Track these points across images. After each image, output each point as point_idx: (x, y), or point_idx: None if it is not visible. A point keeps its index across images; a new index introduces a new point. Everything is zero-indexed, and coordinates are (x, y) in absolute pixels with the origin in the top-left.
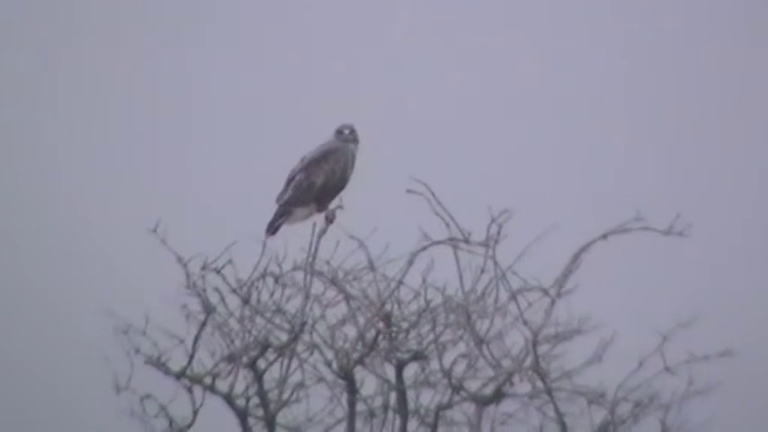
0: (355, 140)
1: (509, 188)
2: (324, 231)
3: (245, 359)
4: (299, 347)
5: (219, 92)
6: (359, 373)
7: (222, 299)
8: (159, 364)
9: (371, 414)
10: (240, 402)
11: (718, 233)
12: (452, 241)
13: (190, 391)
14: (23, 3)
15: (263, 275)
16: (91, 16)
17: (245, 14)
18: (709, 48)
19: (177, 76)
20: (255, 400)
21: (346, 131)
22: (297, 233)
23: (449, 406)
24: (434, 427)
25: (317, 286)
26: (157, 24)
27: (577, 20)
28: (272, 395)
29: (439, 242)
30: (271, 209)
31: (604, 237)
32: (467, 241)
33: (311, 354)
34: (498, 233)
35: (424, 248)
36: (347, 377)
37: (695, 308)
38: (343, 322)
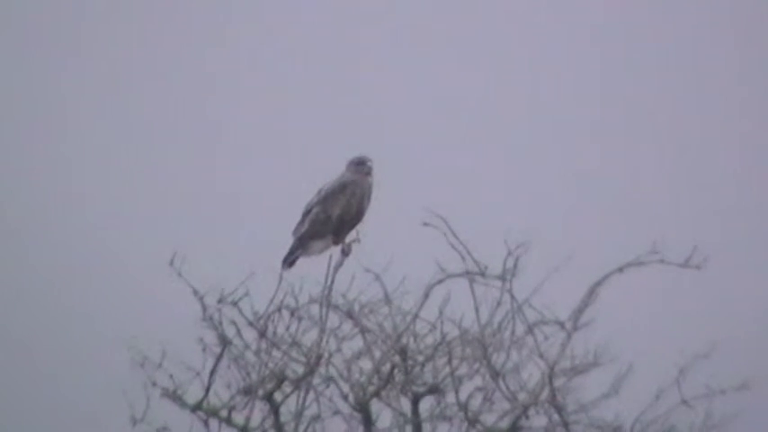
0: (371, 173)
1: (525, 220)
2: (340, 264)
3: (261, 392)
4: (316, 380)
5: (234, 128)
6: (375, 406)
7: (238, 332)
8: (175, 397)
9: None
10: None
11: (734, 265)
12: (469, 274)
13: (206, 423)
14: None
15: (280, 308)
16: (109, 43)
17: (266, 41)
18: (732, 75)
19: (195, 109)
20: None
21: (364, 164)
22: (313, 266)
23: None
24: None
25: (333, 319)
26: (176, 49)
27: (596, 45)
28: (289, 428)
29: (455, 275)
30: (287, 241)
31: (621, 270)
32: (483, 274)
33: (327, 387)
34: (515, 266)
35: (440, 281)
36: (363, 410)
37: (712, 341)
38: (359, 355)
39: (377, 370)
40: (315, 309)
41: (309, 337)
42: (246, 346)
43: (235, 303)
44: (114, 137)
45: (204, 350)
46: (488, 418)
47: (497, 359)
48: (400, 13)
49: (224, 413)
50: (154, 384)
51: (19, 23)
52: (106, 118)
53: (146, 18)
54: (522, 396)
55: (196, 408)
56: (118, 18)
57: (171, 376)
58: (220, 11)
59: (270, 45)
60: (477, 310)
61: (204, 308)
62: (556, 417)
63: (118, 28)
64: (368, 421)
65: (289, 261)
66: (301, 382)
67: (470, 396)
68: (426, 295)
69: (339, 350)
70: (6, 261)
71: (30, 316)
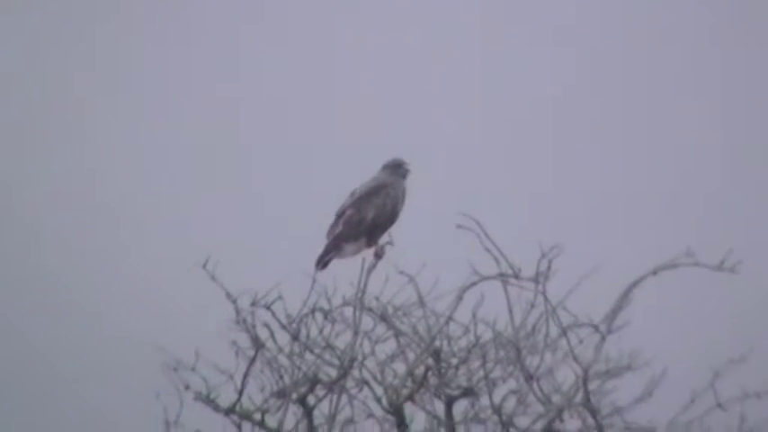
0: (405, 175)
1: (559, 223)
2: (373, 267)
3: (294, 395)
4: (349, 383)
5: (267, 130)
6: (408, 409)
7: (272, 335)
8: (209, 400)
9: None
10: None
11: None
12: (502, 277)
13: (239, 427)
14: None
15: (313, 311)
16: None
17: (295, 41)
18: (759, 74)
19: (227, 113)
20: None
21: (402, 167)
22: (346, 268)
23: None
24: None
25: (367, 322)
26: (207, 51)
27: (627, 55)
28: (322, 431)
29: (489, 278)
30: (320, 244)
31: (654, 272)
32: (517, 277)
33: (361, 390)
34: (548, 269)
35: (474, 284)
36: (397, 413)
37: (747, 343)
38: (392, 358)
39: (410, 373)
40: (348, 311)
41: (343, 340)
42: (280, 349)
43: (268, 306)
44: (144, 141)
45: (237, 353)
46: (522, 421)
47: (531, 362)
48: (432, 17)
49: (257, 416)
50: (187, 388)
51: (39, 37)
52: (136, 123)
53: (173, 24)
54: (556, 399)
55: (229, 411)
56: (145, 24)
57: (204, 380)
58: (246, 15)
59: (299, 44)
60: (510, 312)
61: (237, 311)
62: (590, 420)
63: (147, 33)
64: (401, 424)
65: (322, 263)
66: (335, 386)
67: (504, 399)
68: (460, 298)
69: (372, 353)
70: (37, 268)
71: (63, 321)
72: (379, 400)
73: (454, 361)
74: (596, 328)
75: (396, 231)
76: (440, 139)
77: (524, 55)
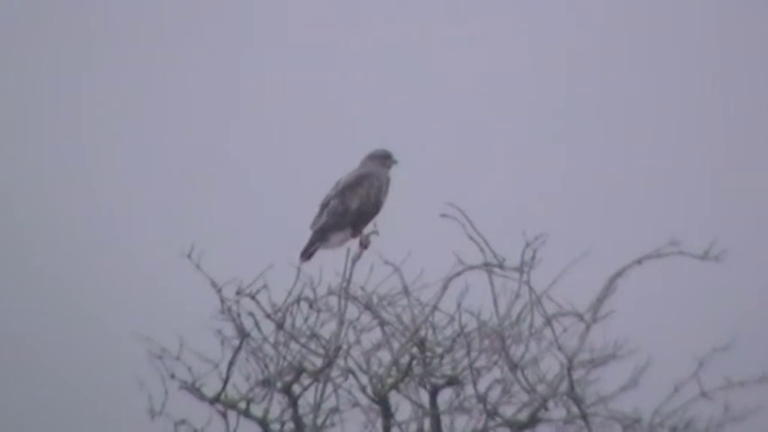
0: (390, 165)
1: (543, 212)
2: (358, 256)
3: (279, 384)
4: (334, 372)
5: (253, 121)
6: (393, 398)
7: (257, 324)
8: (194, 389)
9: None
10: (275, 427)
11: (753, 257)
12: (487, 266)
13: (224, 416)
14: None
15: (298, 300)
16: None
17: (281, 35)
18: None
19: (209, 101)
20: (290, 425)
21: (384, 158)
22: (331, 258)
23: (483, 431)
24: None
25: (352, 311)
26: (189, 43)
27: (620, 44)
28: (307, 420)
29: (473, 267)
30: (305, 234)
31: (639, 262)
32: (501, 266)
33: (346, 379)
34: (533, 258)
35: (459, 273)
36: (382, 402)
37: (731, 333)
38: (377, 347)
39: (395, 362)
40: (333, 301)
41: (328, 329)
42: (265, 339)
43: (253, 296)
44: (129, 130)
45: (222, 342)
46: (507, 411)
47: (516, 351)
48: (416, 9)
49: (242, 405)
50: (172, 377)
51: (38, 36)
52: (123, 112)
53: (162, 16)
54: (540, 388)
55: (214, 400)
56: (137, 15)
57: (189, 369)
58: (243, 13)
59: (284, 37)
60: (495, 302)
61: (222, 300)
62: (575, 409)
63: (135, 25)
64: (386, 413)
65: (307, 253)
66: (320, 375)
67: (489, 388)
68: (445, 287)
69: (358, 342)
70: (20, 257)
71: (47, 310)
72: (364, 390)
73: (439, 350)
74: (581, 317)
75: (381, 221)
76: (424, 128)
77: (515, 44)
